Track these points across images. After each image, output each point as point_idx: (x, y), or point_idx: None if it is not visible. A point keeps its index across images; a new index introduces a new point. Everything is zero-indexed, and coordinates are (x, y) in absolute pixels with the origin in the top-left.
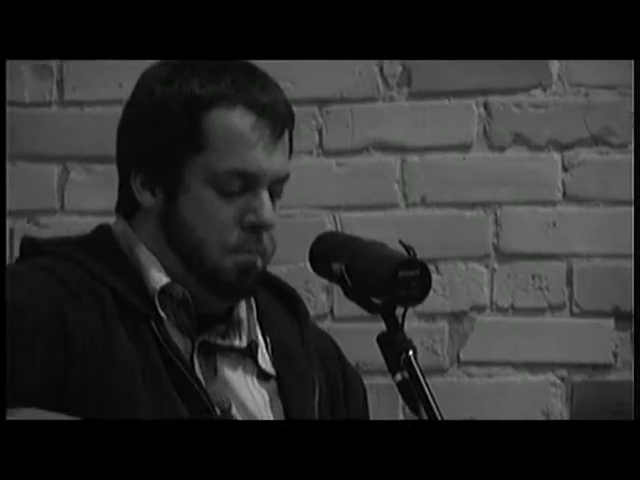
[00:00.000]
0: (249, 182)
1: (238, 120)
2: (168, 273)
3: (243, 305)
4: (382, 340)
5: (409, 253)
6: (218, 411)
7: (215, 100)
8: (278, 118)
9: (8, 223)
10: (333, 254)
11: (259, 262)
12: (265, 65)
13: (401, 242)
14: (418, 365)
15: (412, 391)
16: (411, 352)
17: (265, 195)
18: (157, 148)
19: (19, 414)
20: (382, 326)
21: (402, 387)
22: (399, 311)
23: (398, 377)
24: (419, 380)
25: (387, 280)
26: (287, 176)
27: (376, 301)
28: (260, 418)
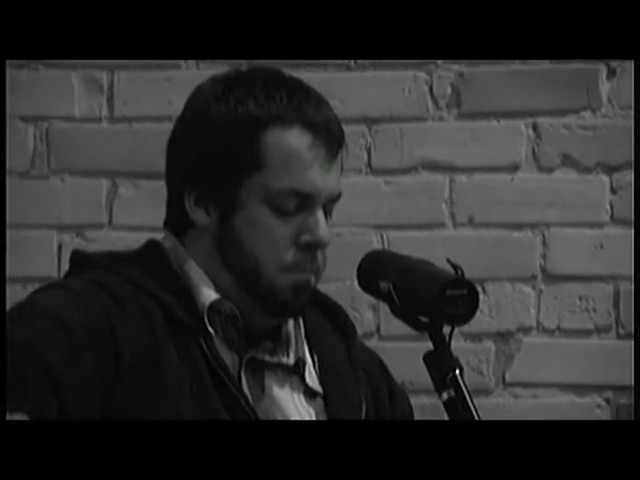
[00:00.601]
0: (305, 201)
1: (295, 140)
2: (218, 290)
3: (291, 322)
4: (429, 359)
5: (457, 272)
6: None
7: (272, 120)
8: (333, 137)
9: (56, 237)
10: (381, 272)
11: (312, 280)
12: (314, 83)
13: (449, 261)
14: (465, 384)
15: (458, 410)
16: (458, 371)
17: (320, 214)
18: (212, 166)
19: None
20: (429, 345)
21: (448, 406)
22: (446, 330)
23: (444, 396)
24: (465, 399)
25: (435, 298)
26: (340, 195)
27: (423, 319)
28: None
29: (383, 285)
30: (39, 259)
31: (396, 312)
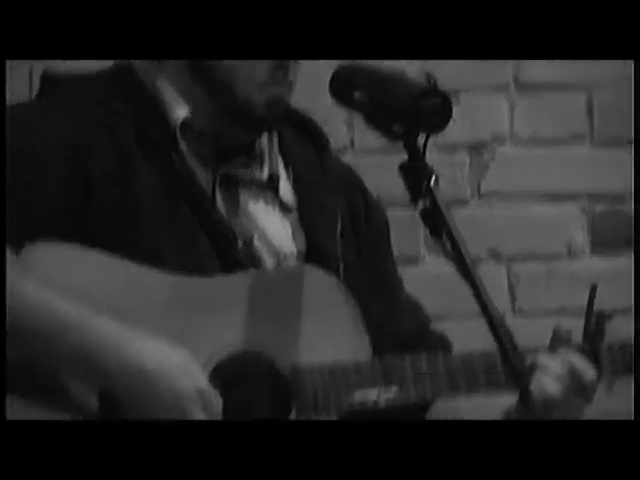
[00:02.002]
0: None
1: None
2: (191, 107)
3: (265, 137)
4: (404, 168)
5: (430, 82)
6: (240, 243)
7: None
8: None
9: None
10: (355, 82)
11: (286, 95)
12: None
13: (425, 72)
14: (439, 194)
15: (434, 219)
16: (433, 178)
17: None
18: None
19: (33, 249)
20: (402, 158)
21: (424, 214)
22: (420, 140)
23: (420, 205)
24: (440, 208)
25: (409, 107)
26: None
27: (398, 129)
28: (281, 249)
29: (357, 95)
30: None
31: (370, 122)
